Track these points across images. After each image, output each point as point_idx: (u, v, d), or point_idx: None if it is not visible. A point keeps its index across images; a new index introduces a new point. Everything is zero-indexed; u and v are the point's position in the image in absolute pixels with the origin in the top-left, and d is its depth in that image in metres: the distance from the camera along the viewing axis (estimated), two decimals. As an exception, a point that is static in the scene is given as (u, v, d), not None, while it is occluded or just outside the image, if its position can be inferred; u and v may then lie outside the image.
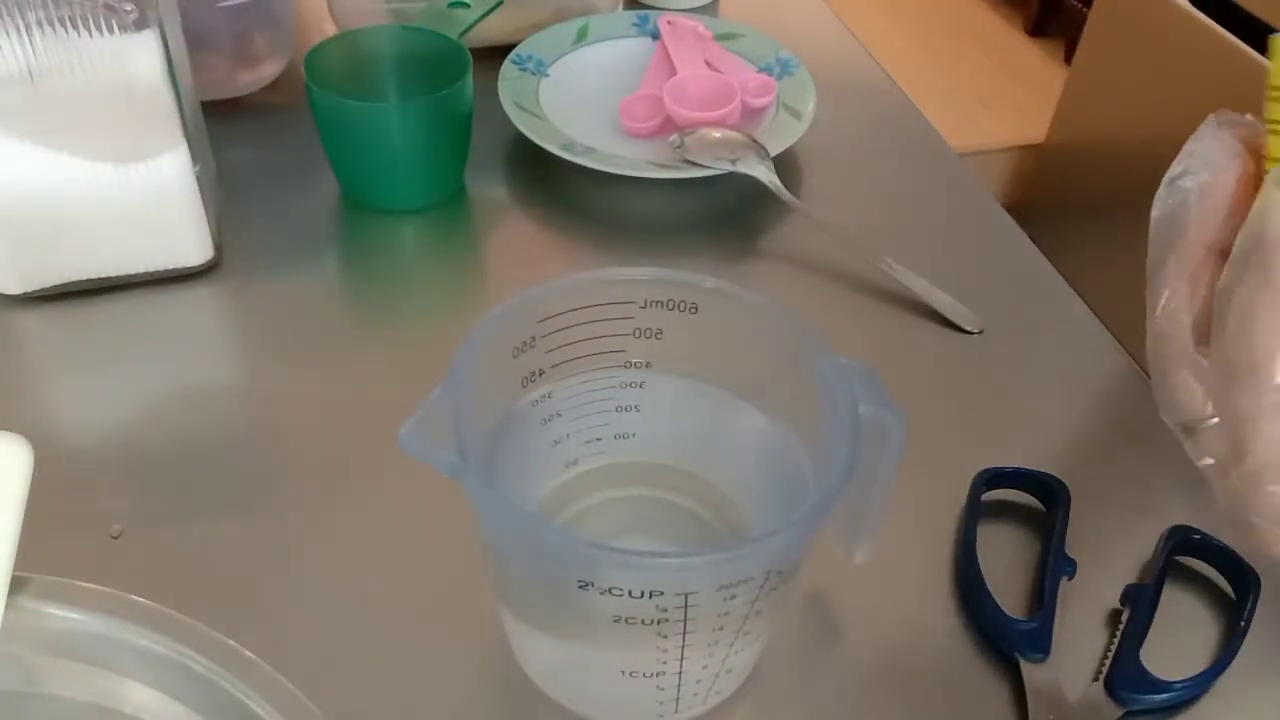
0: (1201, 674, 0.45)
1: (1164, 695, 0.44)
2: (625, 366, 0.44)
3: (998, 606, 0.46)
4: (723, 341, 0.43)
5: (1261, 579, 0.47)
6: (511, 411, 0.43)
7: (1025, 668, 0.45)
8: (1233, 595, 0.48)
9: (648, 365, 0.44)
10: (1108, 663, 0.45)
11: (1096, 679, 0.45)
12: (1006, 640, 0.46)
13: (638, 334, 0.44)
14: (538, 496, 0.46)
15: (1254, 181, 0.33)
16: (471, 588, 0.45)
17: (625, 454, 0.47)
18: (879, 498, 0.41)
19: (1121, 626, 0.46)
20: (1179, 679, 0.44)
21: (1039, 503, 0.52)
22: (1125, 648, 0.45)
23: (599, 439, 0.46)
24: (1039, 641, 0.45)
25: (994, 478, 0.51)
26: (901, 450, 0.39)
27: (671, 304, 0.43)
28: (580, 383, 0.44)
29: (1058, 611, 0.46)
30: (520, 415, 0.44)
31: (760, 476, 0.45)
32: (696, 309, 0.43)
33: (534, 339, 0.42)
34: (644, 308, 0.43)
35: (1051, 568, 0.48)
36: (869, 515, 0.42)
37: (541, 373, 0.43)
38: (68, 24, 0.51)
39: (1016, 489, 0.52)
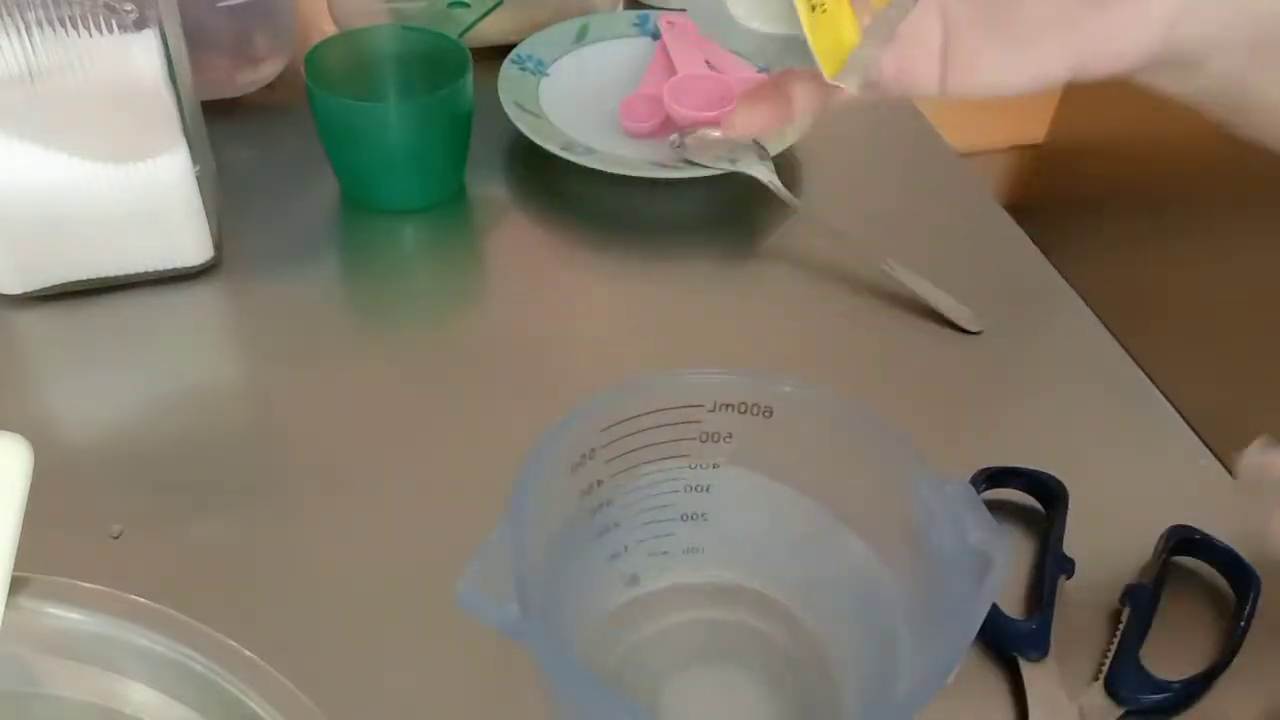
0: (1201, 674, 0.44)
1: (1164, 695, 0.44)
2: (690, 468, 0.42)
3: (996, 606, 0.46)
4: (799, 449, 0.41)
5: (1261, 579, 0.47)
6: (569, 527, 0.41)
7: (1024, 667, 0.45)
8: (1232, 595, 0.48)
9: (715, 467, 0.42)
10: (1107, 662, 0.45)
11: (1096, 679, 0.45)
12: (1005, 640, 0.46)
13: (704, 438, 0.42)
14: (598, 619, 0.44)
15: None
16: (471, 588, 0.45)
17: (693, 572, 0.44)
18: (965, 630, 0.36)
19: (1121, 626, 0.46)
20: (1179, 679, 0.44)
21: (1037, 502, 0.51)
22: (1125, 647, 0.45)
23: (665, 552, 0.44)
24: (1038, 641, 0.45)
25: (992, 476, 0.51)
26: (1000, 580, 0.36)
27: (744, 407, 0.41)
28: (639, 487, 0.42)
29: (1057, 611, 0.46)
30: (578, 529, 0.42)
31: (841, 598, 0.43)
32: (771, 412, 0.41)
33: (594, 450, 0.40)
34: (713, 411, 0.41)
35: (1050, 567, 0.48)
36: (950, 645, 0.36)
37: (600, 483, 0.42)
38: (68, 24, 0.51)
39: (1015, 488, 0.52)
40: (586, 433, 0.40)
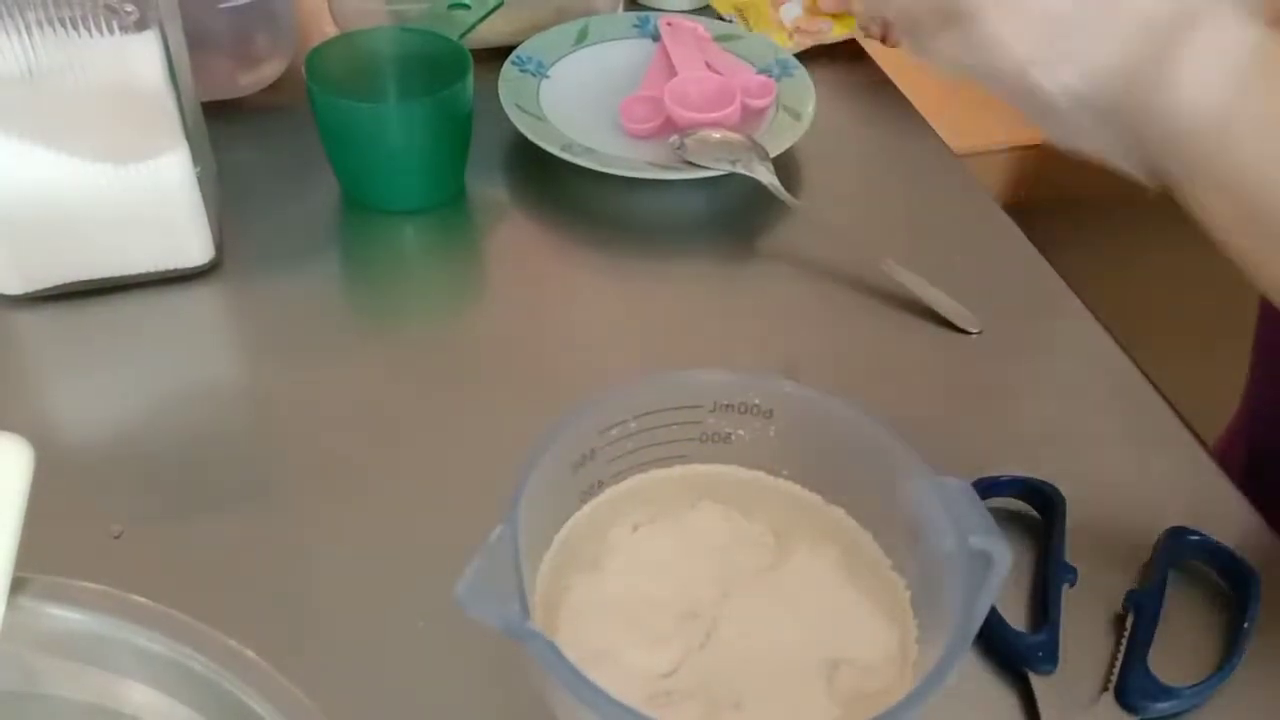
0: (1210, 678, 0.44)
1: (1175, 702, 0.44)
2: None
3: (1002, 620, 0.46)
4: (799, 449, 0.42)
5: (1261, 578, 0.47)
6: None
7: (1035, 680, 0.44)
8: (1233, 595, 0.48)
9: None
10: (1116, 671, 0.45)
11: (1106, 688, 0.45)
12: (1014, 654, 0.45)
13: (704, 439, 0.42)
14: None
15: None
16: (471, 588, 0.44)
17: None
18: (966, 630, 0.36)
19: (1126, 633, 0.46)
20: (1188, 684, 0.44)
21: (1035, 510, 0.51)
22: (1133, 655, 0.45)
23: None
24: (1048, 654, 0.45)
25: (990, 486, 0.51)
26: (1001, 579, 0.36)
27: (744, 407, 0.41)
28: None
29: (1061, 620, 0.46)
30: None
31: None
32: (771, 413, 0.41)
33: (594, 450, 0.40)
34: (713, 411, 0.42)
35: (1053, 576, 0.47)
36: (951, 645, 0.36)
37: (601, 484, 0.42)
38: (68, 24, 0.51)
39: (1011, 496, 0.52)
40: (587, 433, 0.40)
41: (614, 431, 0.41)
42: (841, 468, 0.42)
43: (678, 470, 0.43)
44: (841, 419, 0.41)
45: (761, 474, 0.43)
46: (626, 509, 0.43)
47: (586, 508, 0.42)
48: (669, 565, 0.41)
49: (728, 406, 0.42)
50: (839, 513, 0.43)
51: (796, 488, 0.43)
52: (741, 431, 0.42)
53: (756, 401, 0.42)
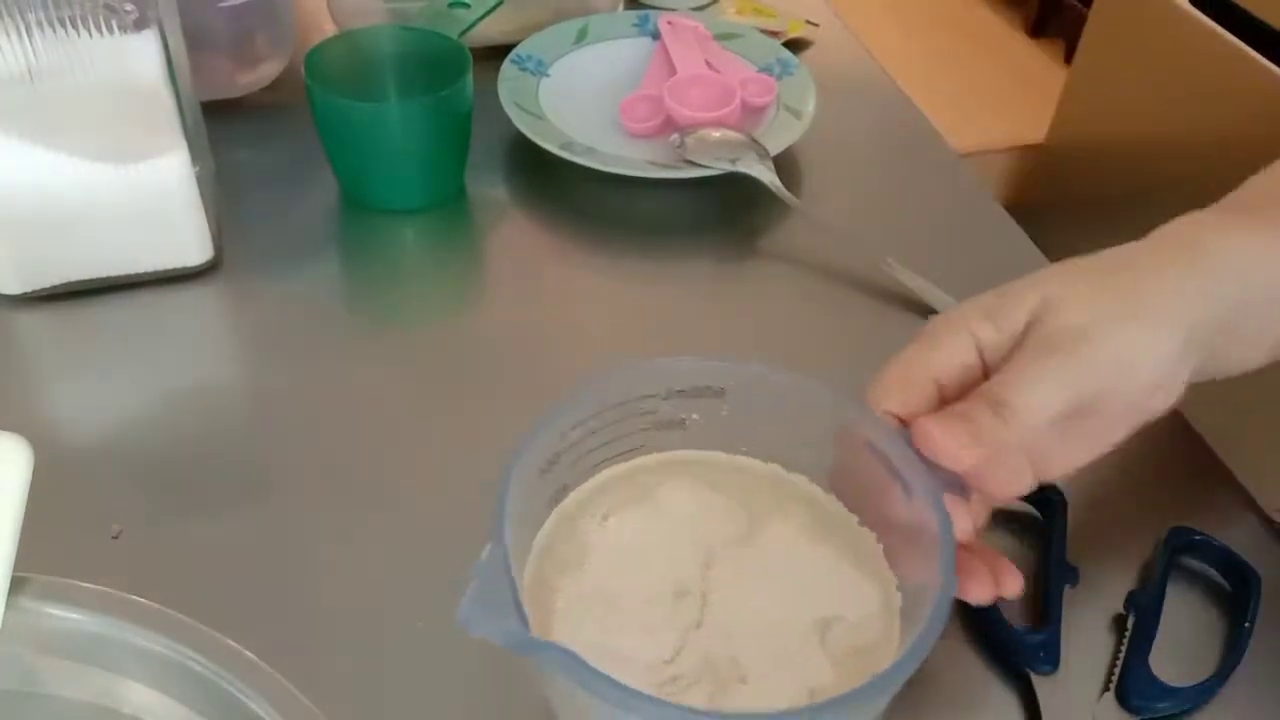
0: (1211, 678, 0.44)
1: (1176, 702, 0.44)
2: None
3: (1004, 620, 0.46)
4: (752, 423, 0.42)
5: (1262, 578, 0.47)
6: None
7: (1036, 681, 0.44)
8: (1232, 595, 0.48)
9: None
10: (1117, 672, 0.45)
11: (1108, 689, 0.45)
12: (1016, 654, 0.45)
13: (659, 427, 0.43)
14: None
15: None
16: (471, 588, 0.44)
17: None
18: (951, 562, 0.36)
19: (1127, 634, 0.46)
20: (1189, 684, 0.44)
21: (1035, 510, 0.51)
22: (1134, 656, 0.45)
23: None
24: (1048, 654, 0.45)
25: None
26: (971, 494, 0.38)
27: (696, 390, 0.42)
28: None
29: (1062, 620, 0.46)
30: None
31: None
32: (723, 392, 0.42)
33: (559, 454, 0.41)
34: (666, 399, 0.42)
35: (1054, 577, 0.47)
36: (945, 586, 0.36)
37: (567, 487, 0.42)
38: (68, 24, 0.51)
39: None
40: (551, 438, 0.40)
41: (575, 433, 0.41)
42: (795, 433, 0.42)
43: (638, 461, 0.44)
44: (787, 386, 0.41)
45: (719, 453, 0.44)
46: (593, 505, 0.43)
47: (557, 511, 0.42)
48: (647, 547, 0.41)
49: (680, 392, 0.42)
50: (800, 479, 0.43)
51: (755, 462, 0.44)
52: (695, 415, 0.43)
53: (708, 383, 0.42)
